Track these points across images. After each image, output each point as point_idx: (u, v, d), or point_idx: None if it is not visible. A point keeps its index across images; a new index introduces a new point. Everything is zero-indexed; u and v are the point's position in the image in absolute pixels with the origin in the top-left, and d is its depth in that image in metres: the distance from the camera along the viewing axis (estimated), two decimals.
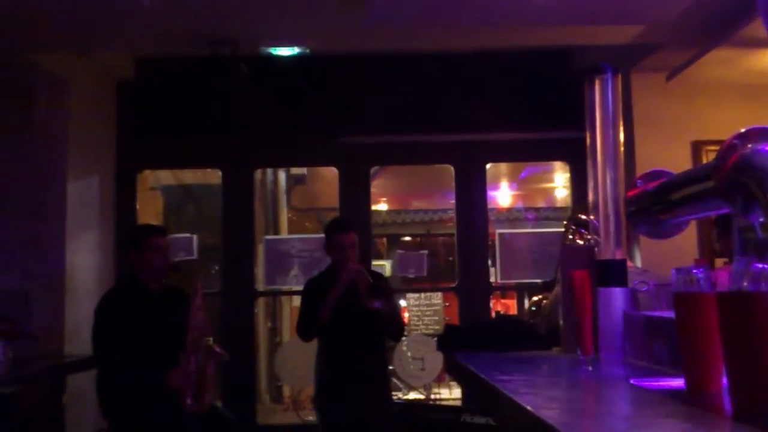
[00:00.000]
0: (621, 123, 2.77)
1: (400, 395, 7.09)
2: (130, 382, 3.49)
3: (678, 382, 1.74)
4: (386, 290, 3.83)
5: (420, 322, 9.51)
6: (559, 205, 9.77)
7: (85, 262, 4.59)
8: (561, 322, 2.60)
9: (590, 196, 2.70)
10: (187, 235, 5.29)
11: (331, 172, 5.69)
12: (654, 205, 2.53)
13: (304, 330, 3.88)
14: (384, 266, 9.52)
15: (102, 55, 4.71)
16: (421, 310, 9.57)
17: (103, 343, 3.55)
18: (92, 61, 4.70)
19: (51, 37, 4.12)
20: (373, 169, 5.46)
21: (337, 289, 3.79)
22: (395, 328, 3.98)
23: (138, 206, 5.18)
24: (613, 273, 2.38)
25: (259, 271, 5.26)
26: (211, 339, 3.69)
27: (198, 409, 3.48)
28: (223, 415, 3.71)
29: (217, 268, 5.15)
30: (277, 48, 4.59)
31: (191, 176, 7.34)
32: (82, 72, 4.65)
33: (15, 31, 3.96)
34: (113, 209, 4.98)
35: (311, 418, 4.87)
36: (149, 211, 6.10)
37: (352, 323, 3.82)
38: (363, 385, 3.88)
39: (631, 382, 1.90)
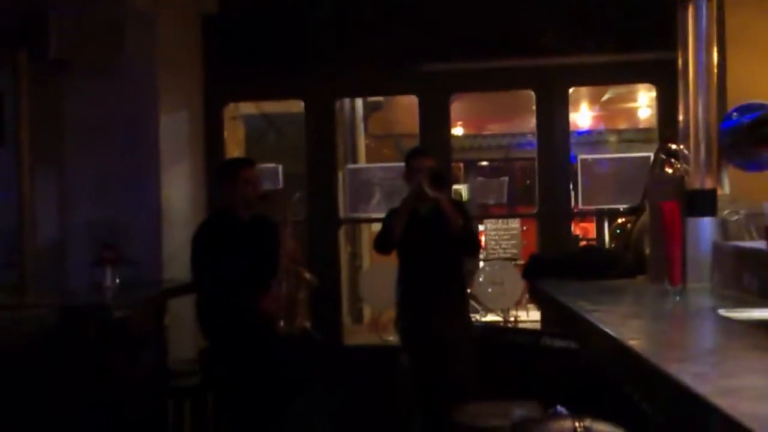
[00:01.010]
0: (714, 46, 2.68)
1: (477, 317, 7.24)
2: (226, 304, 3.72)
3: (767, 313, 1.75)
4: (447, 180, 3.94)
5: (498, 247, 9.57)
6: (642, 126, 9.47)
7: (179, 193, 4.82)
8: (648, 251, 2.61)
9: (680, 123, 2.65)
10: (273, 165, 5.44)
11: (408, 98, 5.69)
12: (749, 138, 2.47)
13: (380, 243, 4.08)
14: (461, 190, 9.54)
15: None
16: (498, 234, 9.60)
17: (201, 269, 3.79)
18: None
19: None
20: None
21: (409, 196, 3.93)
22: (468, 240, 4.07)
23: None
24: (703, 203, 2.36)
25: (341, 199, 5.39)
26: (302, 266, 3.87)
27: (290, 331, 3.70)
28: (314, 337, 3.93)
29: (298, 194, 5.28)
30: None
31: (271, 105, 7.47)
32: (168, 7, 4.76)
33: None
34: (202, 141, 5.16)
35: (392, 338, 5.07)
36: (231, 140, 6.27)
37: (426, 241, 3.97)
38: (442, 307, 4.02)
39: (719, 312, 1.92)
